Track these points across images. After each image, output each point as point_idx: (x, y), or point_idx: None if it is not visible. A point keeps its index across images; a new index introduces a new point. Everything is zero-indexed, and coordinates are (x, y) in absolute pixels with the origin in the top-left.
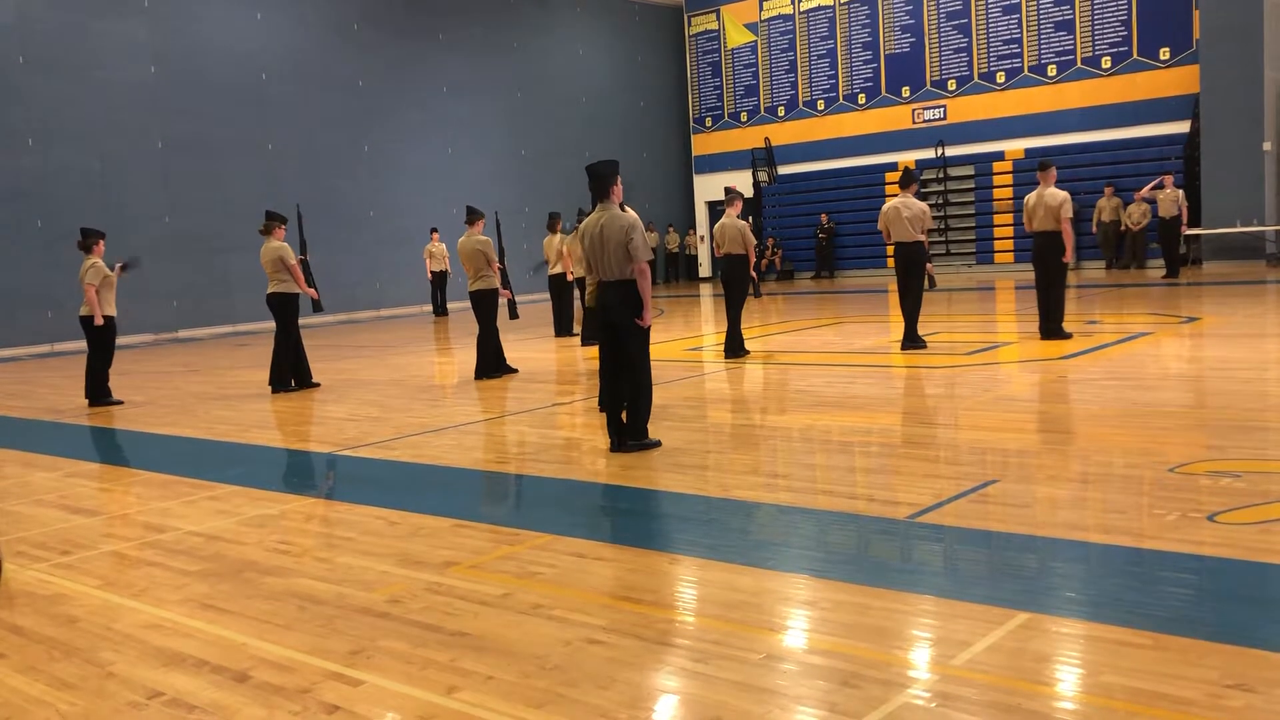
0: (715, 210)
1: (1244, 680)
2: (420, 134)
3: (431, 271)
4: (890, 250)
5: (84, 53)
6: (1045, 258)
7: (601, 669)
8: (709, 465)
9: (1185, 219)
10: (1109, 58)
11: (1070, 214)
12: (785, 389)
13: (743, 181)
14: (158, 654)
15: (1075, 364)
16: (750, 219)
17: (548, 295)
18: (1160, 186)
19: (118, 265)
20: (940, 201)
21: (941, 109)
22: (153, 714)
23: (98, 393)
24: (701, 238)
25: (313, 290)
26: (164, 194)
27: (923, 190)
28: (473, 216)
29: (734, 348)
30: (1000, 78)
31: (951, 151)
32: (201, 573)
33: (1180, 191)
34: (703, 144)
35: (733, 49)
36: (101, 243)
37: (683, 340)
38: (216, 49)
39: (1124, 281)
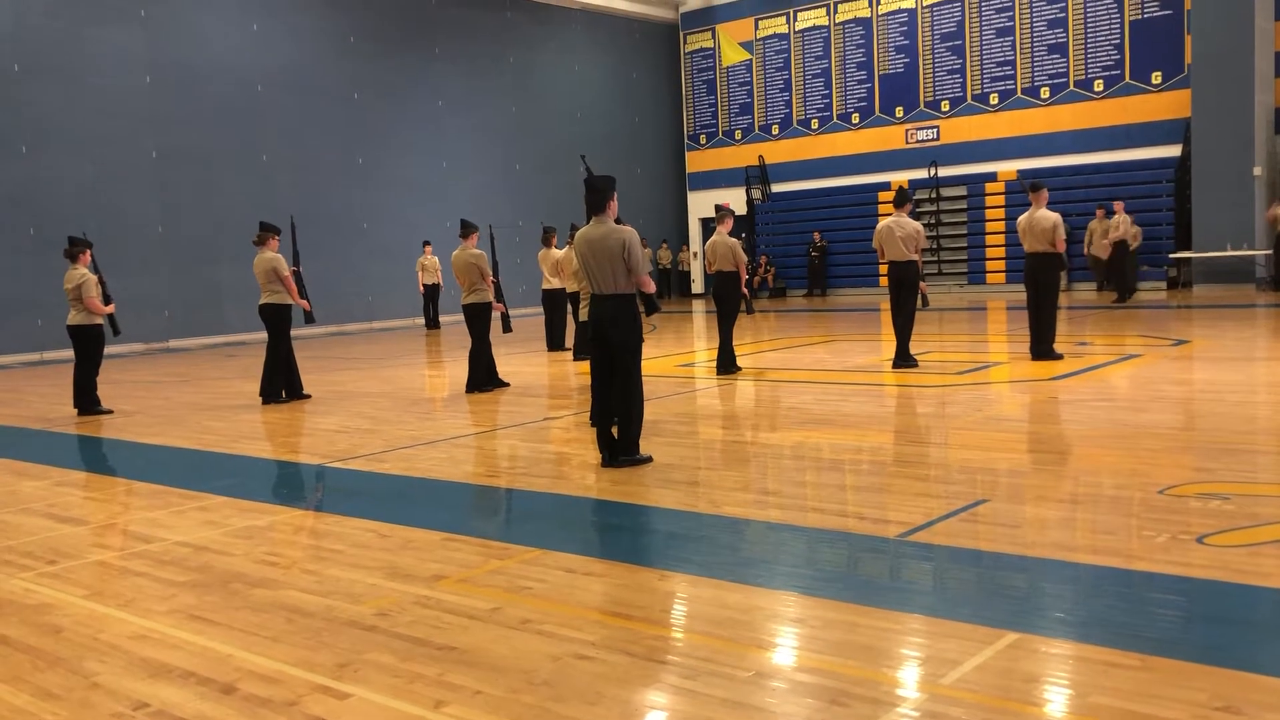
0: (709, 227)
1: (1231, 702)
2: (415, 147)
3: (424, 284)
4: (883, 269)
5: (79, 61)
6: (1037, 278)
7: (590, 685)
8: (700, 481)
9: (1134, 244)
10: (1101, 81)
11: (1064, 236)
12: (776, 406)
13: (736, 199)
14: (144, 665)
15: (1066, 385)
16: (743, 236)
17: (541, 309)
18: (1112, 213)
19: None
20: (933, 221)
21: (935, 130)
22: None
23: (86, 402)
24: (695, 254)
25: (305, 301)
26: (157, 203)
27: (915, 210)
28: (467, 230)
29: (726, 364)
30: (993, 99)
31: (944, 172)
32: (189, 583)
33: (1130, 217)
34: (697, 161)
35: (728, 67)
36: (88, 253)
37: (675, 356)
38: (212, 60)
39: (1115, 303)
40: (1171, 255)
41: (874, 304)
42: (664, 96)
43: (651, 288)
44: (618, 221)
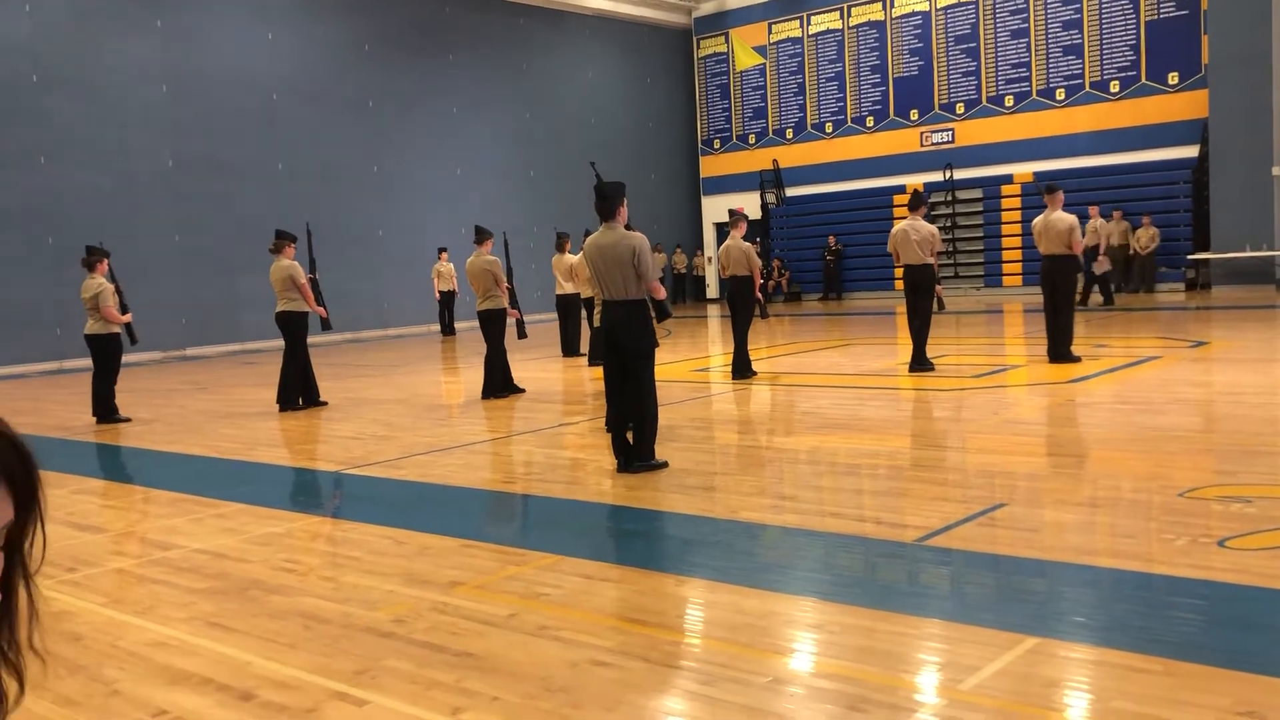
0: (723, 232)
1: (1255, 707)
2: (429, 154)
3: (439, 291)
4: (899, 272)
5: (96, 72)
6: (1054, 281)
7: (607, 691)
8: (716, 486)
9: (1103, 249)
10: (1117, 82)
11: (1080, 238)
12: (792, 410)
13: (751, 203)
14: (163, 672)
15: (1084, 387)
16: (758, 240)
17: (555, 315)
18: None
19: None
20: (949, 224)
21: (950, 132)
22: None
23: (105, 410)
24: (709, 259)
25: (322, 309)
26: (174, 212)
27: (931, 213)
28: (481, 236)
29: (741, 369)
30: (1008, 101)
31: (959, 174)
32: (207, 591)
33: (1102, 221)
34: (711, 166)
35: (741, 71)
36: (105, 262)
37: (689, 361)
38: (228, 69)
39: (1132, 305)
40: (1190, 256)
41: (889, 308)
42: (678, 101)
43: (662, 294)
44: (628, 227)
